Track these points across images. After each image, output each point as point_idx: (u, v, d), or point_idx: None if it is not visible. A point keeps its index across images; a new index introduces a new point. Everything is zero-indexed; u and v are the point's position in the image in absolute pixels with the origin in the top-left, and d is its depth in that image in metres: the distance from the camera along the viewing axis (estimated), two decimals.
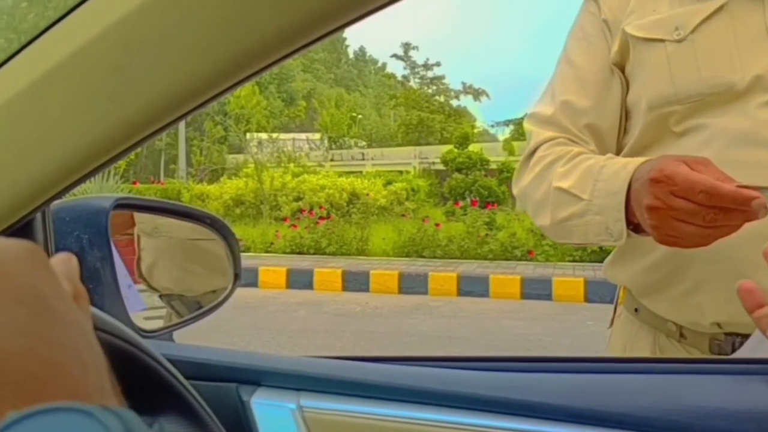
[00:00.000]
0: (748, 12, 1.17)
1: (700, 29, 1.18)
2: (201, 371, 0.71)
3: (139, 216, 1.07)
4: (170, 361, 0.56)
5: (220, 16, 0.46)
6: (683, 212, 0.96)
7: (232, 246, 1.00)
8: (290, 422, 0.69)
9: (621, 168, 1.11)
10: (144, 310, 1.03)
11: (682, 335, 1.23)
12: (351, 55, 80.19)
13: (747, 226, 0.99)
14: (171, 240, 1.12)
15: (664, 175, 0.97)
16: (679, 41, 1.19)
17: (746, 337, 1.14)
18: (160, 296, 1.09)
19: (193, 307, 1.04)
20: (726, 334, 1.17)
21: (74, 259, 0.43)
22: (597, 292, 8.11)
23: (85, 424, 0.27)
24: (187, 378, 0.56)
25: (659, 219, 1.00)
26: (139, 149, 0.57)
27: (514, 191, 1.35)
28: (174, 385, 0.54)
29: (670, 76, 1.19)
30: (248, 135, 20.30)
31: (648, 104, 1.22)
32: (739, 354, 1.08)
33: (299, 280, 9.35)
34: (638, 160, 1.09)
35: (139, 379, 0.49)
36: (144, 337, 0.87)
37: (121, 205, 0.88)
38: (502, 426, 0.67)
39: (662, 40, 1.21)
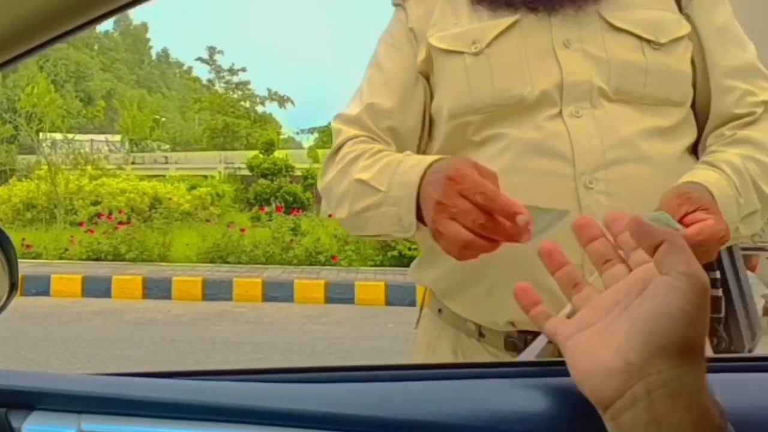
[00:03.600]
0: (537, 30, 1.23)
1: (494, 44, 1.23)
2: None
3: None
4: None
5: None
6: (459, 210, 0.97)
7: (8, 252, 0.90)
8: None
9: (417, 163, 1.12)
10: None
11: (481, 334, 1.28)
12: (154, 57, 78.06)
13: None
14: None
15: (458, 174, 0.99)
16: (476, 54, 1.23)
17: (537, 334, 1.20)
18: None
19: None
20: (519, 332, 1.22)
21: None
22: (397, 296, 8.38)
23: None
24: None
25: (439, 214, 1.00)
26: None
27: (319, 186, 1.36)
28: None
29: (468, 87, 1.23)
30: (41, 135, 19.04)
31: (448, 113, 1.26)
32: (527, 353, 1.12)
33: (96, 287, 8.90)
34: (433, 157, 1.12)
35: None
36: None
37: None
38: None
39: (461, 53, 1.25)
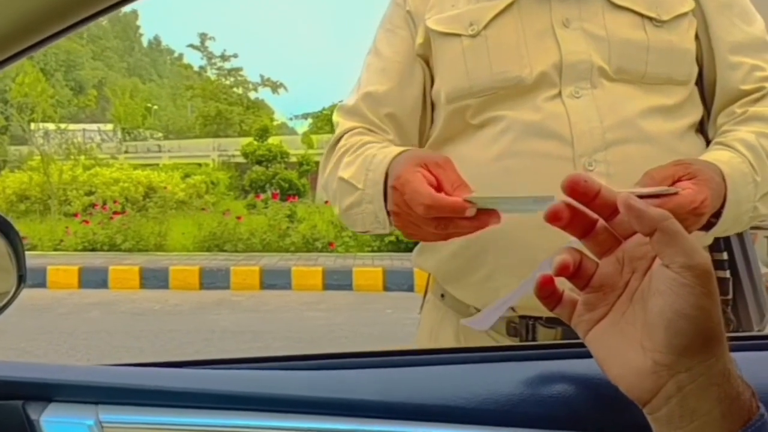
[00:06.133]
0: (536, 10, 1.21)
1: (492, 25, 1.22)
2: None
3: None
4: None
5: None
6: (416, 218, 0.97)
7: (15, 244, 0.89)
8: None
9: (384, 158, 1.11)
10: None
11: None
12: (145, 44, 77.74)
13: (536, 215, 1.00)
14: None
15: (399, 183, 0.98)
16: (473, 36, 1.22)
17: (538, 319, 1.21)
18: None
19: None
20: (520, 317, 1.23)
21: None
22: (395, 281, 8.39)
23: None
24: None
25: (400, 221, 1.02)
26: None
27: (319, 182, 1.35)
28: None
29: (465, 70, 1.22)
30: (33, 125, 18.97)
31: (446, 97, 1.25)
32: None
33: (92, 278, 8.88)
34: (395, 151, 1.10)
35: None
36: None
37: None
38: (315, 427, 0.64)
39: (458, 35, 1.23)
